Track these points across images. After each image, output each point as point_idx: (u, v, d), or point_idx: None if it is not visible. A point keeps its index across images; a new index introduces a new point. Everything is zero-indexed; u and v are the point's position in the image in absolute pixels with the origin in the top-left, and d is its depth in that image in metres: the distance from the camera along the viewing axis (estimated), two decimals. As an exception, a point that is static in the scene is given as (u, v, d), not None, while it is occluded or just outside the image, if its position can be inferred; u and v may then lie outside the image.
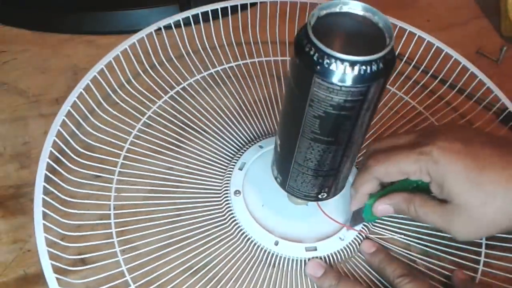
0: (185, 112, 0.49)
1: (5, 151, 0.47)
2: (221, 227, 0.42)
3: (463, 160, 0.35)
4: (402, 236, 0.43)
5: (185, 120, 0.49)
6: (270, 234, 0.41)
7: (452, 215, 0.36)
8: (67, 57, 0.55)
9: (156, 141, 0.47)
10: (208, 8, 0.52)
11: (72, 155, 0.43)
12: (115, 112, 0.47)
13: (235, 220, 0.42)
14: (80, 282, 0.38)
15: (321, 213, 0.42)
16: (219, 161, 0.46)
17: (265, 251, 0.41)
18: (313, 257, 0.41)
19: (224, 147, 0.47)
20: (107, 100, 0.47)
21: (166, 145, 0.46)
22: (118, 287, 0.37)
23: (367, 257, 0.41)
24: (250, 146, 0.47)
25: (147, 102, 0.48)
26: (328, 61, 0.28)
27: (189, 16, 0.52)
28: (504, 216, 0.35)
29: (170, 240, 0.40)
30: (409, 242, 0.43)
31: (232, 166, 0.45)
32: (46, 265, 0.36)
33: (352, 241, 0.42)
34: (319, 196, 0.38)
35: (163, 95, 0.49)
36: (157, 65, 0.51)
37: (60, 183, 0.41)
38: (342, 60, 0.28)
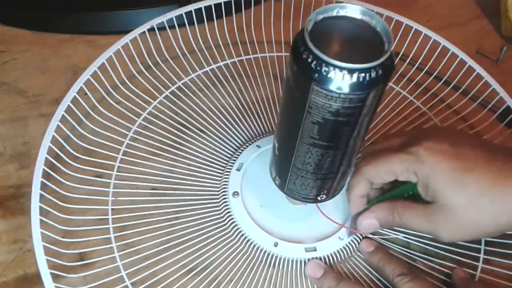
0: (181, 113, 0.49)
1: (5, 151, 0.47)
2: (220, 229, 0.42)
3: (449, 161, 0.35)
4: (402, 234, 0.43)
5: (181, 121, 0.49)
6: (269, 235, 0.41)
7: (436, 216, 0.36)
8: (67, 57, 0.55)
9: (153, 142, 0.47)
10: (202, 4, 0.52)
11: (67, 159, 0.43)
12: (110, 115, 0.47)
13: (234, 222, 0.42)
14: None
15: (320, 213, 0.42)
16: (216, 162, 0.46)
17: (265, 252, 0.41)
18: (312, 258, 0.41)
19: (222, 147, 0.47)
20: (101, 102, 0.47)
21: (163, 146, 0.46)
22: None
23: (366, 256, 0.42)
24: (247, 146, 0.47)
25: (142, 103, 0.48)
26: (326, 68, 0.28)
27: (183, 16, 0.51)
28: (488, 218, 0.35)
29: (168, 244, 0.41)
30: (408, 240, 0.43)
31: (230, 167, 0.45)
32: (44, 269, 0.36)
33: (352, 240, 0.42)
34: (318, 198, 0.38)
35: (158, 95, 0.49)
36: (152, 65, 0.51)
37: (56, 188, 0.41)
38: (341, 68, 0.27)
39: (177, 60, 0.52)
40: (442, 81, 0.53)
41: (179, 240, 0.41)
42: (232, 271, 0.40)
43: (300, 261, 0.41)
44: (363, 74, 0.28)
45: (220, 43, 0.54)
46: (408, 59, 0.55)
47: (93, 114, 0.46)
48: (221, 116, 0.50)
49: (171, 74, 0.51)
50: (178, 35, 0.52)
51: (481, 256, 0.42)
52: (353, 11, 0.31)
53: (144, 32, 0.50)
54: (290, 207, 0.43)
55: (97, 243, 0.41)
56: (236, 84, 0.52)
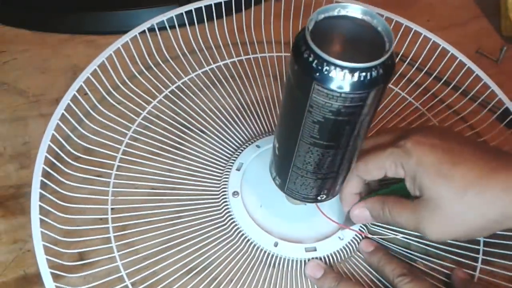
0: (181, 113, 0.49)
1: (5, 151, 0.47)
2: (220, 229, 0.42)
3: (436, 154, 0.35)
4: (402, 235, 0.43)
5: (181, 121, 0.49)
6: (269, 235, 0.41)
7: (423, 211, 0.35)
8: (67, 57, 0.55)
9: (153, 142, 0.47)
10: (202, 4, 0.52)
11: (67, 159, 0.43)
12: (110, 114, 0.47)
13: (234, 222, 0.42)
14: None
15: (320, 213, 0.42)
16: (216, 162, 0.46)
17: (265, 252, 0.41)
18: (312, 258, 0.41)
19: (221, 147, 0.47)
20: (101, 102, 0.47)
21: (163, 146, 0.46)
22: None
23: (366, 256, 0.42)
24: (247, 146, 0.47)
25: (143, 103, 0.48)
26: (327, 68, 0.28)
27: (183, 16, 0.51)
28: (475, 212, 0.34)
29: (168, 244, 0.41)
30: (409, 241, 0.43)
31: (230, 167, 0.45)
32: (44, 269, 0.36)
33: (352, 240, 0.42)
34: (318, 197, 0.38)
35: (158, 94, 0.49)
36: (152, 65, 0.51)
37: (56, 188, 0.41)
38: (342, 67, 0.27)
39: (177, 60, 0.52)
40: (441, 81, 0.53)
41: (179, 240, 0.41)
42: (232, 271, 0.40)
43: (300, 261, 0.41)
44: (364, 73, 0.28)
45: (220, 43, 0.54)
46: (408, 60, 0.55)
47: (93, 113, 0.46)
48: (221, 116, 0.50)
49: (171, 74, 0.51)
50: (178, 35, 0.52)
51: (480, 257, 0.42)
52: (354, 11, 0.31)
53: (145, 31, 0.50)
54: (290, 207, 0.43)
55: (97, 242, 0.40)
56: (236, 84, 0.52)
